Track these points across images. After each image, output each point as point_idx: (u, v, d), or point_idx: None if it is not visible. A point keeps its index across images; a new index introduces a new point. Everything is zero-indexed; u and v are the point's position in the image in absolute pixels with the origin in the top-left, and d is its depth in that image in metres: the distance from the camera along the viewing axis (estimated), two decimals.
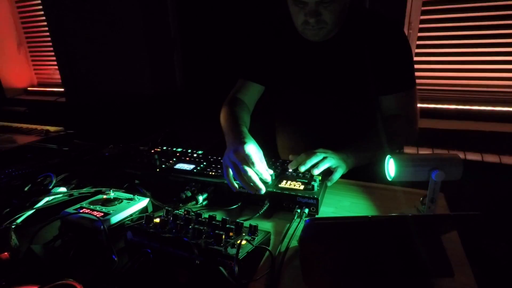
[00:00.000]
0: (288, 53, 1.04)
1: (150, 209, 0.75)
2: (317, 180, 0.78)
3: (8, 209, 0.72)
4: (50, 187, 0.82)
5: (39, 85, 2.94)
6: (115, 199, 0.72)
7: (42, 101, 2.69)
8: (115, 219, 0.66)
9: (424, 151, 1.57)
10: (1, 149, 1.16)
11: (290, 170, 0.85)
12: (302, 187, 0.76)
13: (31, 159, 1.07)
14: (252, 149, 0.77)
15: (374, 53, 0.95)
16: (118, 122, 2.27)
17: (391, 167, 0.69)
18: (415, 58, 1.65)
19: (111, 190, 0.75)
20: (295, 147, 1.14)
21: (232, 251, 0.53)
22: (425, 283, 0.54)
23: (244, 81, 1.12)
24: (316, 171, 0.80)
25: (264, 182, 0.76)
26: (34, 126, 1.50)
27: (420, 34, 1.62)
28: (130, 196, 0.74)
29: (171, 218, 0.61)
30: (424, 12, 1.59)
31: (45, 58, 2.80)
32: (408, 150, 1.59)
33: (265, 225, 0.71)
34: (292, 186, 0.77)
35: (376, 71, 0.96)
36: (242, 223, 0.59)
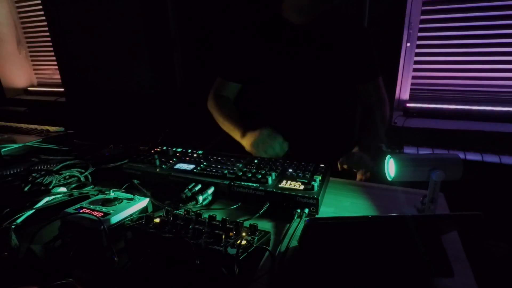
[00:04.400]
0: (269, 41, 1.11)
1: (150, 209, 0.75)
2: (317, 180, 0.78)
3: (8, 209, 0.72)
4: (50, 187, 0.82)
5: (39, 85, 2.94)
6: (115, 199, 0.72)
7: (42, 101, 2.69)
8: (115, 219, 0.66)
9: (424, 151, 1.57)
10: (1, 149, 1.16)
11: (290, 170, 0.85)
12: (302, 187, 0.76)
13: (31, 159, 1.07)
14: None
15: (347, 46, 1.07)
16: (118, 122, 2.27)
17: (391, 167, 0.69)
18: (415, 58, 1.65)
19: (111, 190, 0.75)
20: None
21: (232, 251, 0.53)
22: (425, 283, 0.54)
23: (222, 79, 1.22)
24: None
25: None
26: (34, 126, 1.50)
27: (420, 34, 1.62)
28: (130, 196, 0.74)
29: (171, 218, 0.61)
30: (424, 12, 1.59)
31: (45, 58, 2.80)
32: (408, 150, 1.59)
33: (265, 225, 0.71)
34: (292, 186, 0.77)
35: (350, 62, 1.09)
36: (242, 223, 0.59)
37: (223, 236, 0.55)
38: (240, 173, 0.83)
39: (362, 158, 1.00)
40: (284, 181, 0.79)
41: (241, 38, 1.16)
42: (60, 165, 0.97)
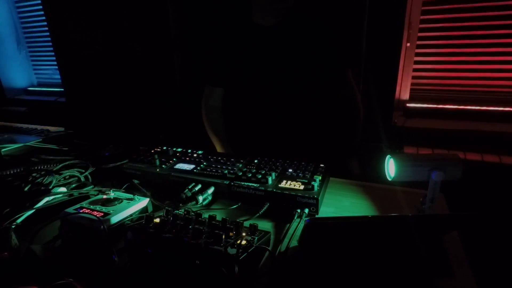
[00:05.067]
0: (241, 45, 1.16)
1: (150, 209, 0.75)
2: (317, 180, 0.78)
3: (8, 209, 0.72)
4: (50, 187, 0.82)
5: (39, 85, 2.94)
6: (115, 199, 0.72)
7: (42, 101, 2.69)
8: (115, 219, 0.66)
9: (424, 151, 1.57)
10: (1, 149, 1.16)
11: (290, 170, 0.85)
12: (302, 187, 0.76)
13: (31, 159, 1.07)
14: None
15: (310, 44, 1.11)
16: (118, 122, 2.27)
17: (391, 167, 0.69)
18: (415, 58, 1.65)
19: (111, 190, 0.75)
20: (251, 137, 1.29)
21: (232, 251, 0.53)
22: (425, 283, 0.54)
23: (209, 86, 1.29)
24: None
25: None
26: (34, 126, 1.50)
27: (420, 34, 1.62)
28: (130, 196, 0.74)
29: (171, 218, 0.61)
30: (424, 12, 1.58)
31: (45, 58, 2.80)
32: (408, 150, 1.59)
33: (265, 225, 0.71)
34: (292, 186, 0.77)
35: (314, 59, 1.12)
36: (242, 223, 0.59)
37: (223, 236, 0.55)
38: (240, 173, 0.83)
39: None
40: (284, 181, 0.79)
41: (216, 43, 1.21)
42: (60, 165, 0.97)
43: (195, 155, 0.99)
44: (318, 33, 1.12)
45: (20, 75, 2.87)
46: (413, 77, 1.69)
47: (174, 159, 0.95)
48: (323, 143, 1.29)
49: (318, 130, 1.29)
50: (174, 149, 1.03)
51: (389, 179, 0.70)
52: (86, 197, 0.78)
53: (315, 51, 1.12)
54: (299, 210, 0.72)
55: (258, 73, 1.15)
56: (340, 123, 1.26)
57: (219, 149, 1.33)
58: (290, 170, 0.85)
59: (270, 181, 0.79)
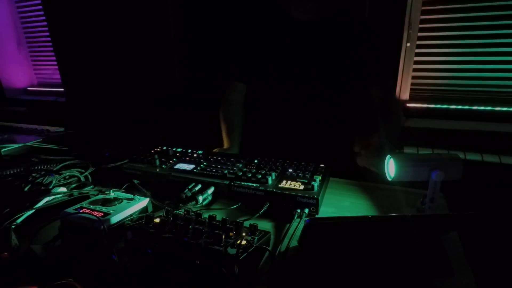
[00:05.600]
0: (274, 39, 1.08)
1: (150, 209, 0.75)
2: (317, 180, 0.78)
3: (8, 209, 0.72)
4: (50, 187, 0.82)
5: (39, 85, 2.94)
6: (115, 199, 0.72)
7: (42, 101, 2.69)
8: (115, 219, 0.66)
9: (424, 151, 1.57)
10: (1, 149, 1.16)
11: (290, 170, 0.85)
12: (302, 187, 0.76)
13: (31, 159, 1.07)
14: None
15: (356, 47, 1.02)
16: (118, 122, 2.27)
17: (391, 167, 0.69)
18: (415, 58, 1.65)
19: (111, 190, 0.75)
20: (276, 137, 1.21)
21: (232, 251, 0.53)
22: (425, 283, 0.54)
23: (232, 81, 1.21)
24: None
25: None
26: (34, 126, 1.50)
27: (420, 34, 1.62)
28: (130, 196, 0.74)
29: (171, 218, 0.61)
30: (424, 12, 1.58)
31: (45, 58, 2.80)
32: (408, 150, 1.59)
33: (265, 225, 0.71)
34: (292, 186, 0.77)
35: (359, 63, 1.04)
36: (242, 223, 0.59)
37: (223, 236, 0.55)
38: (240, 173, 0.83)
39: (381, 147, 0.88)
40: (284, 181, 0.79)
41: (245, 37, 1.13)
42: (60, 165, 0.97)
43: (195, 155, 0.99)
44: (365, 35, 1.03)
45: (20, 75, 2.87)
46: (413, 77, 1.69)
47: (174, 159, 0.95)
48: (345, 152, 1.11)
49: (345, 138, 1.17)
50: (174, 149, 1.03)
51: (389, 179, 0.70)
52: (86, 197, 0.78)
53: (359, 53, 1.03)
54: (299, 210, 0.72)
55: (291, 71, 1.07)
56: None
57: (227, 144, 1.17)
58: (290, 170, 0.85)
59: (270, 181, 0.79)
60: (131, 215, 0.70)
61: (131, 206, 0.70)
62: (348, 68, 1.04)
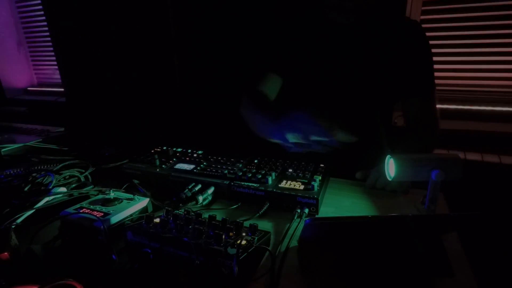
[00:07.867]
0: (307, 39, 1.02)
1: (150, 209, 0.75)
2: (317, 180, 0.78)
3: (8, 209, 0.72)
4: (50, 187, 0.82)
5: (39, 85, 2.94)
6: (115, 199, 0.72)
7: (42, 101, 2.69)
8: (115, 219, 0.66)
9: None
10: (1, 149, 1.16)
11: (290, 170, 0.85)
12: (302, 187, 0.76)
13: (31, 159, 1.07)
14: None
15: (396, 52, 0.94)
16: (118, 122, 2.27)
17: (391, 167, 0.69)
18: None
19: (111, 190, 0.75)
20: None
21: (232, 251, 0.52)
22: (425, 283, 0.54)
23: (263, 74, 1.06)
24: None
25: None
26: (34, 126, 1.50)
27: None
28: (130, 196, 0.74)
29: (171, 218, 0.61)
30: (424, 12, 1.58)
31: (45, 58, 2.80)
32: None
33: (265, 225, 0.71)
34: (292, 186, 0.77)
35: (397, 71, 0.95)
36: (242, 223, 0.59)
37: (223, 236, 0.55)
38: (240, 173, 0.83)
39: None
40: (284, 181, 0.79)
41: (282, 34, 1.07)
42: (60, 165, 0.97)
43: (195, 155, 0.99)
44: (410, 41, 0.94)
45: (20, 75, 2.87)
46: None
47: (174, 159, 0.95)
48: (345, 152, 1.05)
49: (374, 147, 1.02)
50: (174, 149, 1.03)
51: (389, 179, 0.70)
52: (86, 197, 0.78)
53: (402, 61, 0.94)
54: (299, 210, 0.72)
55: (324, 74, 1.00)
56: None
57: (258, 128, 0.87)
58: (290, 170, 0.85)
59: (270, 181, 0.79)
60: (131, 215, 0.70)
61: (131, 206, 0.70)
62: (388, 74, 0.96)
